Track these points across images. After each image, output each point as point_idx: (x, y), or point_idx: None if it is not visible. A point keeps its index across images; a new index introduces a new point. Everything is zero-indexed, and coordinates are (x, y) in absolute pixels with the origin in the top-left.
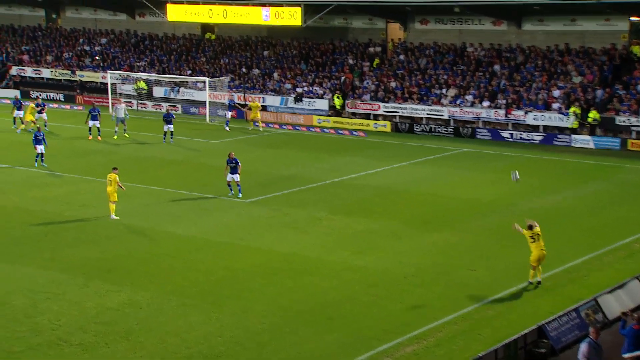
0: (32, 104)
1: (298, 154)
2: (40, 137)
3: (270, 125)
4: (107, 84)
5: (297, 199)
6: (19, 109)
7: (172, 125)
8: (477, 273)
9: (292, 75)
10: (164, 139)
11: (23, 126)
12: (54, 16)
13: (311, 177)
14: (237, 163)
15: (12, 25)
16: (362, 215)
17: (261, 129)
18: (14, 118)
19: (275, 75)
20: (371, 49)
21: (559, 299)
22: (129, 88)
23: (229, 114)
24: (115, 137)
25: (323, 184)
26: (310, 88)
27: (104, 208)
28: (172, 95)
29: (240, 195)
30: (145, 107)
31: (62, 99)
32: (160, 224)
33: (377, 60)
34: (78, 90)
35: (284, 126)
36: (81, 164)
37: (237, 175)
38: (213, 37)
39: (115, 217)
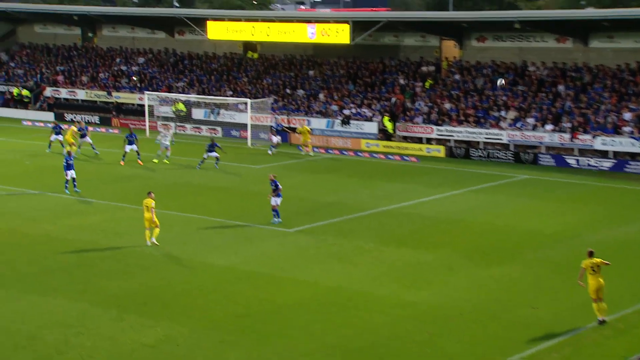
0: (73, 127)
1: (345, 180)
2: (71, 162)
3: (315, 149)
4: (144, 105)
5: (345, 228)
6: (57, 133)
7: (215, 152)
8: (540, 311)
9: (339, 96)
10: (199, 165)
11: (74, 148)
12: (90, 35)
13: (359, 205)
14: (277, 186)
15: (46, 45)
16: (414, 246)
17: (311, 154)
18: (50, 142)
19: (321, 96)
20: (424, 68)
21: (634, 340)
22: (167, 110)
23: (276, 139)
24: (156, 160)
25: (372, 212)
26: (359, 110)
27: (139, 236)
28: (212, 118)
29: (276, 221)
30: (183, 130)
31: (98, 122)
32: (198, 253)
33: (430, 80)
34: (114, 113)
35: (330, 150)
36: (116, 190)
37: (278, 199)
38: (256, 56)
39: (156, 243)
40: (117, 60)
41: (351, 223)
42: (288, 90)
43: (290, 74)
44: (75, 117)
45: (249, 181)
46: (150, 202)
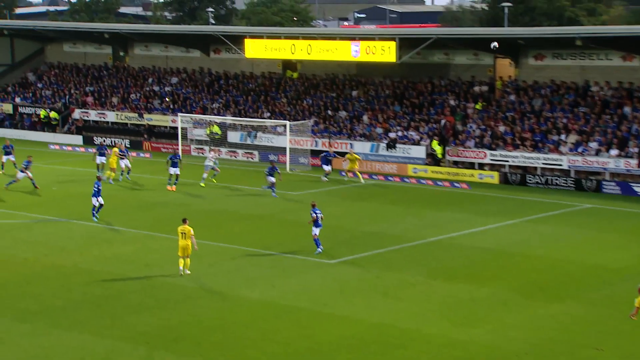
0: (115, 149)
1: (391, 209)
2: (100, 188)
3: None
4: (177, 128)
5: (390, 260)
6: (101, 155)
7: (272, 177)
8: (605, 354)
9: (385, 118)
10: (270, 190)
11: (112, 174)
12: (121, 54)
13: (406, 235)
14: (316, 214)
15: (76, 64)
16: (465, 280)
17: (362, 182)
18: (98, 165)
19: (365, 118)
20: (476, 88)
21: None
22: (200, 133)
23: (328, 167)
24: (203, 184)
25: (419, 243)
26: (405, 133)
27: (171, 267)
28: (248, 141)
29: (318, 250)
30: (219, 154)
31: (128, 145)
32: (233, 286)
33: (482, 102)
34: (145, 136)
35: (374, 176)
36: (147, 217)
37: (317, 229)
38: (295, 75)
39: (188, 272)
40: (149, 80)
41: (397, 254)
42: (330, 112)
43: (332, 95)
44: (104, 140)
45: (287, 209)
46: (189, 229)
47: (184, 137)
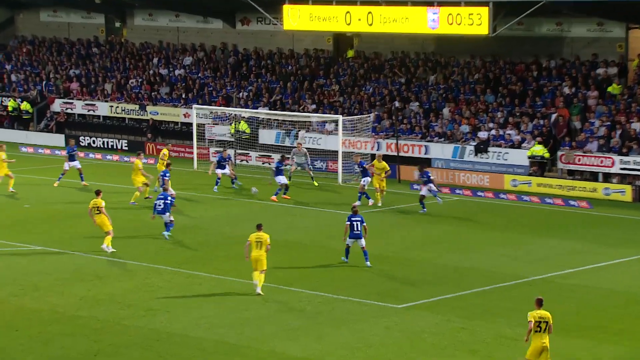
0: (137, 160)
1: (479, 234)
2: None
3: (435, 190)
4: (191, 125)
5: (478, 305)
6: (72, 158)
7: (283, 177)
8: None
9: (473, 111)
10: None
11: (139, 193)
12: (117, 25)
13: (500, 271)
14: (361, 222)
15: (56, 39)
16: (584, 334)
17: (379, 205)
18: (64, 172)
19: (446, 111)
20: (600, 71)
21: None
22: (223, 131)
23: (427, 188)
24: (316, 183)
25: (519, 282)
26: (501, 132)
27: (182, 313)
28: (287, 142)
29: (369, 264)
30: (247, 161)
31: (126, 147)
32: (265, 339)
33: (613, 88)
34: (149, 135)
35: (457, 190)
36: (150, 245)
37: (363, 240)
38: (351, 54)
39: (260, 293)
40: (155, 60)
41: (488, 297)
42: (397, 103)
43: (401, 80)
44: (92, 142)
45: (335, 234)
46: (266, 236)
47: (201, 137)
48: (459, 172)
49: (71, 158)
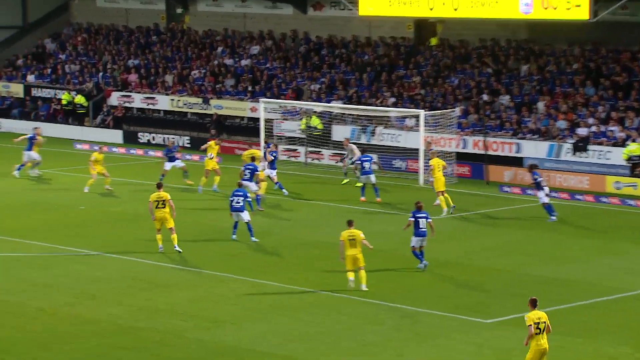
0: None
1: (578, 242)
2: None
3: (528, 191)
4: (258, 120)
5: (577, 322)
6: (171, 159)
7: (372, 176)
8: None
9: (570, 105)
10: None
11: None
12: (179, 11)
13: (603, 283)
14: (427, 218)
15: (114, 27)
16: None
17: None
18: (164, 173)
19: (541, 105)
20: None
21: None
22: (293, 127)
23: (544, 193)
24: (343, 181)
25: (624, 296)
26: (602, 128)
27: (249, 325)
28: (362, 139)
29: (423, 264)
30: (319, 159)
31: (188, 144)
32: (339, 355)
33: None
34: (213, 131)
35: (554, 193)
36: (215, 249)
37: (425, 240)
38: (435, 42)
39: (365, 288)
40: (219, 50)
41: (588, 312)
42: (486, 97)
43: (489, 71)
44: (172, 140)
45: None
46: (358, 233)
47: (268, 133)
48: (554, 173)
49: (171, 159)
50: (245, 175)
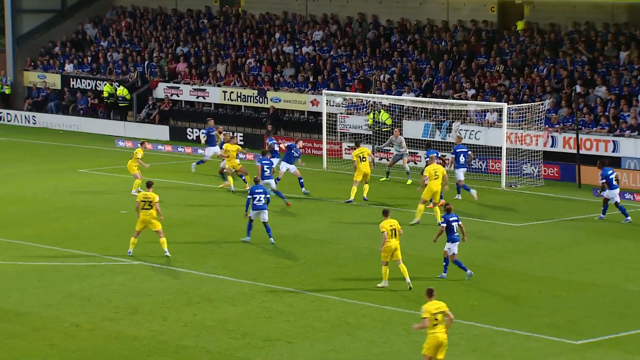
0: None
1: None
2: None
3: (627, 195)
4: (321, 114)
5: None
6: (211, 142)
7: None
8: None
9: None
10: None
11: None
12: None
13: None
14: (458, 221)
15: (161, 10)
16: None
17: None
18: (222, 171)
19: None
20: None
21: None
22: (359, 122)
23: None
24: (382, 179)
25: None
26: None
27: (306, 344)
28: (437, 136)
29: (445, 275)
30: (388, 158)
31: (242, 141)
32: None
33: None
34: (270, 127)
35: None
36: (268, 260)
37: (456, 246)
38: (521, 26)
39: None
40: (277, 36)
41: None
42: (578, 88)
43: (584, 59)
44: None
45: (500, 251)
46: (395, 222)
47: (332, 129)
48: None
49: (210, 142)
50: (265, 171)
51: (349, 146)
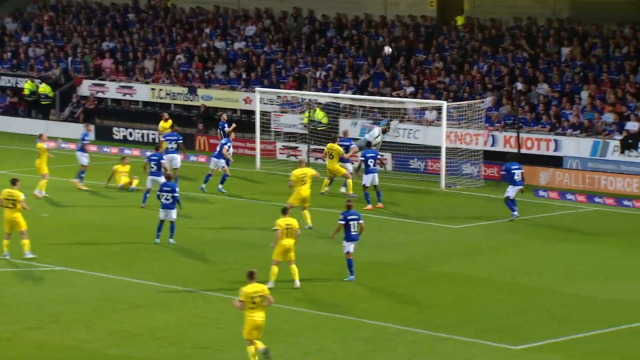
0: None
1: (627, 257)
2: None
3: (569, 196)
4: (253, 113)
5: (623, 349)
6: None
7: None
8: None
9: (619, 96)
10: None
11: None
12: None
13: None
14: (358, 219)
15: (86, 4)
16: None
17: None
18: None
19: (584, 96)
20: None
21: None
22: (293, 120)
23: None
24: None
25: None
26: None
27: (238, 352)
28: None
29: (353, 277)
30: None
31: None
32: None
33: None
34: (201, 126)
35: (597, 198)
36: (203, 269)
37: (353, 245)
38: (461, 21)
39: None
40: (208, 30)
41: (638, 338)
42: (520, 85)
43: (525, 55)
44: (129, 134)
45: (439, 254)
46: (294, 221)
47: (265, 128)
48: (599, 175)
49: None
50: (152, 167)
51: (283, 146)
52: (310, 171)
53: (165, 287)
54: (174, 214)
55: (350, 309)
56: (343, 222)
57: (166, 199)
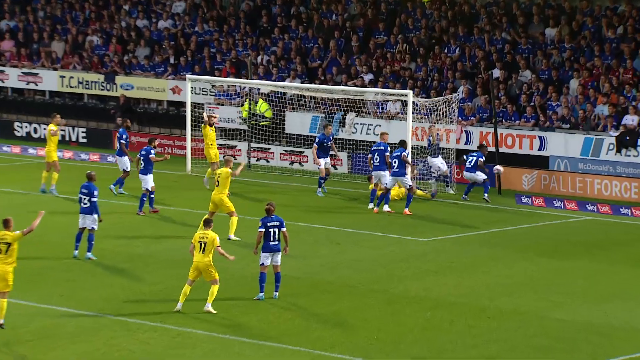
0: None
1: (624, 272)
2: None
3: (556, 203)
4: (183, 105)
5: None
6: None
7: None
8: None
9: (614, 84)
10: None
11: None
12: None
13: None
14: (280, 227)
15: None
16: None
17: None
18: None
19: (573, 84)
20: None
21: None
22: (231, 114)
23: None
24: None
25: None
26: None
27: None
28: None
29: (276, 294)
30: (268, 159)
31: (84, 139)
32: None
33: None
34: (119, 120)
35: (589, 205)
36: (124, 288)
37: (279, 256)
38: None
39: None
40: (127, 7)
41: None
42: (497, 72)
43: (504, 37)
44: (33, 130)
45: (405, 271)
46: (214, 235)
47: (199, 122)
48: (591, 178)
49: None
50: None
51: (221, 144)
52: (225, 171)
53: (75, 312)
54: (90, 220)
55: (294, 339)
56: (262, 230)
57: (84, 203)
